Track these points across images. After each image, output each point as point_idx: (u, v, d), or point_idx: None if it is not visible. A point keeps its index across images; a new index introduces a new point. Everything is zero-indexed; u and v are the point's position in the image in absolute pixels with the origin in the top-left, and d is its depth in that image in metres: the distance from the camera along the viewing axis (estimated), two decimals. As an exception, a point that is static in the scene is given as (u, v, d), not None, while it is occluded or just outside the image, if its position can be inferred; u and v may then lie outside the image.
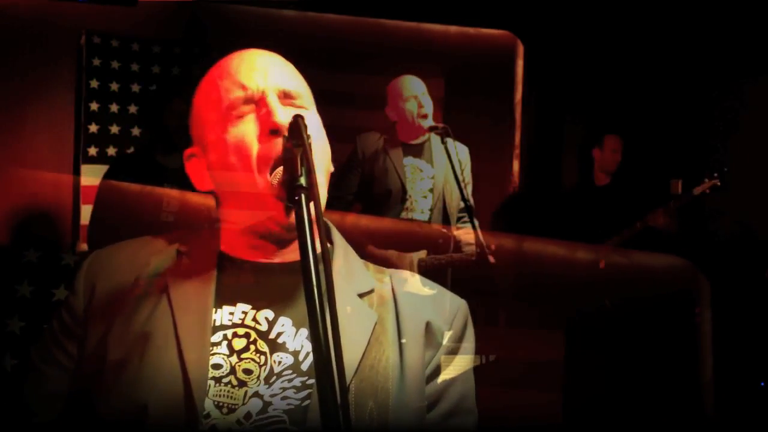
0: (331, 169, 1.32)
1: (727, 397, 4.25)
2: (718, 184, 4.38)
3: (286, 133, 1.17)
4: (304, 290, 1.02)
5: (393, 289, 1.33)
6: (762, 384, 4.28)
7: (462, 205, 3.56)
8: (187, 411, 1.14)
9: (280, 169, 1.19)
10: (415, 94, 3.65)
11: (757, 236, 4.62)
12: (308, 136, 1.12)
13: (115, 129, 4.81)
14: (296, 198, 1.08)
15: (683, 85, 5.45)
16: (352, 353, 1.16)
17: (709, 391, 4.18)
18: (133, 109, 4.81)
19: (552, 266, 4.12)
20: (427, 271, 3.45)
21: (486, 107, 5.61)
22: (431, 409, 1.27)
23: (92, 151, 4.79)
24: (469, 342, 1.33)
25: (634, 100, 5.44)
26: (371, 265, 1.38)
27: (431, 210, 3.62)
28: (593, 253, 4.33)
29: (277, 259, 1.29)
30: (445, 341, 1.29)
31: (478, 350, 1.34)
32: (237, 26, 4.79)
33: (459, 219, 3.70)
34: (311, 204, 1.08)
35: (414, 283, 1.35)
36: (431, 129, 3.63)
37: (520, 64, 5.70)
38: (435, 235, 3.59)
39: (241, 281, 1.27)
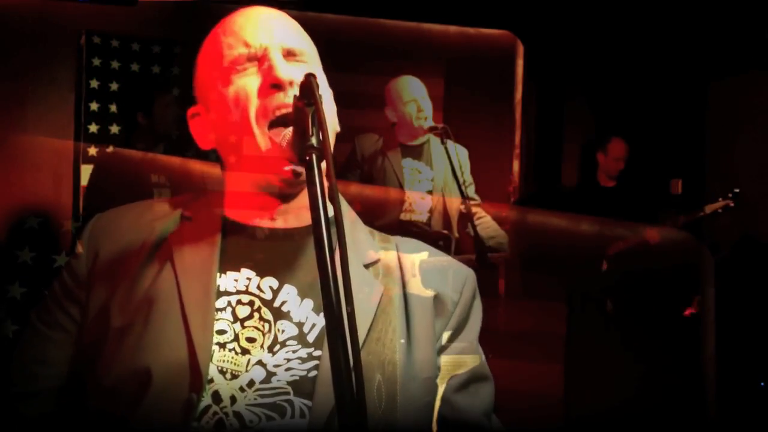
0: (338, 129, 1.31)
1: (728, 398, 4.25)
2: (732, 204, 4.36)
3: (290, 89, 1.15)
4: (316, 256, 1.00)
5: (399, 260, 1.31)
6: (762, 384, 4.28)
7: (462, 207, 3.56)
8: (191, 375, 1.13)
9: (290, 130, 1.16)
10: (414, 97, 3.64)
11: (757, 238, 4.61)
12: (320, 96, 1.09)
13: (115, 129, 4.81)
14: (307, 158, 1.05)
15: (683, 84, 5.45)
16: (358, 326, 1.15)
17: (711, 367, 4.19)
18: (133, 109, 4.82)
19: (555, 238, 4.11)
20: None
21: (486, 107, 5.60)
22: (448, 379, 1.26)
23: (92, 151, 4.79)
24: (478, 311, 1.33)
25: (633, 99, 5.44)
26: (377, 234, 1.36)
27: (431, 212, 3.61)
28: (597, 225, 4.32)
29: (280, 224, 1.27)
30: (455, 311, 1.28)
31: (484, 322, 1.33)
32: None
33: (475, 217, 3.67)
34: (323, 164, 1.05)
35: (422, 253, 1.34)
36: (431, 129, 3.63)
37: (520, 64, 5.69)
38: (435, 236, 3.58)
39: (245, 247, 1.26)
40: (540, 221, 4.14)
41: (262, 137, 1.20)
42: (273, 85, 1.19)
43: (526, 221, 4.12)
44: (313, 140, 1.06)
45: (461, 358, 1.27)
